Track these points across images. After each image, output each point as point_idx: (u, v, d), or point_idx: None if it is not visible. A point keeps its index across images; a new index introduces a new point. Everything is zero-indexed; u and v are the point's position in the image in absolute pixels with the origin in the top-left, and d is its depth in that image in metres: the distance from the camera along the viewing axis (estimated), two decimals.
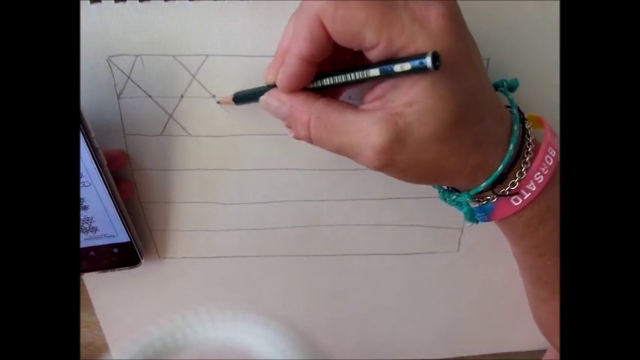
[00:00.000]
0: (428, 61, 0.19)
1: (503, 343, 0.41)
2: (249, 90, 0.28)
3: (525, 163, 0.24)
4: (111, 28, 0.28)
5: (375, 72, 0.21)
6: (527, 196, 0.25)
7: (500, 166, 0.24)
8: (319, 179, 0.33)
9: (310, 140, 0.24)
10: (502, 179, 0.24)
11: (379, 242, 0.35)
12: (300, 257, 0.36)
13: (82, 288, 0.36)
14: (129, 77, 0.29)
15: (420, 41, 0.20)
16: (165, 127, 0.31)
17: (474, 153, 0.23)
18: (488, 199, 0.25)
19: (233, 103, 0.29)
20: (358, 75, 0.22)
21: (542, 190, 0.25)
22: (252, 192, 0.33)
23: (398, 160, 0.22)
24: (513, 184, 0.24)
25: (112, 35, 0.28)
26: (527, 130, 0.25)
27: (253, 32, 0.28)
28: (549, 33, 0.29)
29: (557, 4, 0.28)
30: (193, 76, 0.29)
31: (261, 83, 0.29)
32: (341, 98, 0.28)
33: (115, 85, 0.29)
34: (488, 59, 0.30)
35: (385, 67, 0.20)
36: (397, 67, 0.20)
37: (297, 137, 0.25)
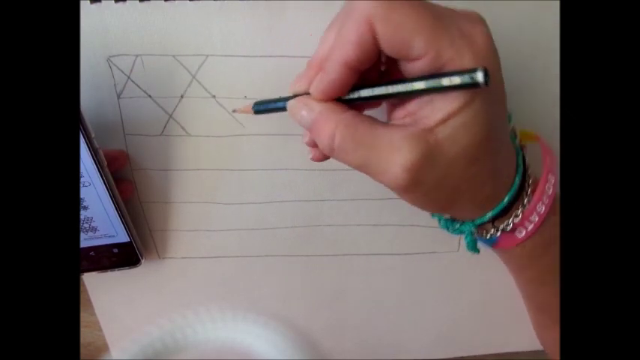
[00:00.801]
0: (480, 76, 0.19)
1: (504, 343, 0.41)
2: (271, 99, 0.26)
3: (527, 194, 0.25)
4: (111, 28, 0.28)
5: (420, 85, 0.20)
6: (531, 227, 0.25)
7: (506, 198, 0.24)
8: (319, 179, 0.33)
9: (332, 151, 0.23)
10: (506, 211, 0.25)
11: (379, 242, 0.35)
12: (300, 257, 0.36)
13: (82, 288, 0.36)
14: (129, 77, 0.29)
15: (467, 57, 0.19)
16: (165, 127, 0.31)
17: (488, 183, 0.23)
18: (492, 234, 0.26)
19: (252, 112, 0.27)
20: (401, 88, 0.21)
21: (545, 220, 0.25)
22: (252, 192, 0.33)
23: (423, 181, 0.21)
24: (517, 216, 0.25)
25: (112, 35, 0.28)
26: (526, 163, 0.25)
27: (253, 32, 0.28)
28: (549, 33, 0.29)
29: (557, 4, 0.28)
30: (193, 76, 0.29)
31: (260, 84, 0.29)
32: None
33: (115, 85, 0.29)
34: None
35: (432, 81, 0.20)
36: (445, 81, 0.19)
37: (322, 148, 0.23)
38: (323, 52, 0.22)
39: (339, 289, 0.37)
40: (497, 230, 0.25)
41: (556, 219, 0.25)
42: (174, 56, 0.29)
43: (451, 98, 0.20)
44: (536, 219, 0.25)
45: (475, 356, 0.41)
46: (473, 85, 0.19)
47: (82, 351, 0.39)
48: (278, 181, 0.33)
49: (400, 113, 0.22)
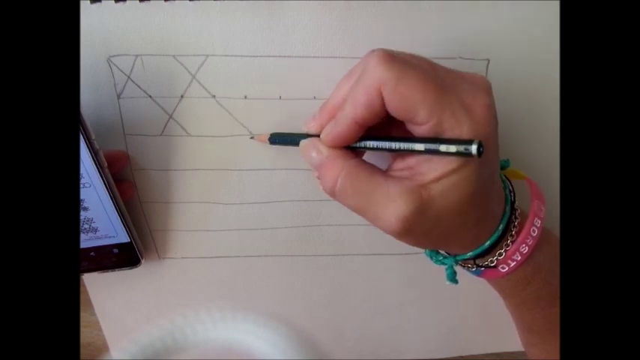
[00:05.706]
0: (474, 148, 0.20)
1: (504, 343, 0.41)
2: (286, 134, 0.29)
3: (512, 235, 0.26)
4: (111, 28, 0.28)
5: (420, 147, 0.22)
6: (513, 264, 0.26)
7: (487, 242, 0.26)
8: None
9: (333, 194, 0.25)
10: (489, 251, 0.26)
11: (379, 242, 0.35)
12: (300, 257, 0.36)
13: (82, 288, 0.36)
14: (129, 77, 0.29)
15: (466, 127, 0.21)
16: (165, 127, 0.31)
17: (475, 228, 0.25)
18: (476, 268, 0.27)
19: (267, 142, 0.30)
20: (403, 146, 0.23)
21: (527, 258, 0.26)
22: (252, 192, 0.33)
23: (415, 229, 0.23)
24: (500, 254, 0.26)
25: (112, 35, 0.28)
26: (515, 209, 0.27)
27: (253, 32, 0.28)
28: (549, 33, 0.29)
29: (557, 4, 0.28)
30: (193, 77, 0.29)
31: (260, 84, 0.29)
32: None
33: (115, 85, 0.29)
34: (488, 59, 0.30)
35: (431, 145, 0.22)
36: (443, 148, 0.21)
37: (324, 189, 0.25)
38: (335, 100, 0.25)
39: (339, 289, 0.37)
40: (480, 266, 0.27)
41: (541, 255, 0.27)
42: (174, 56, 0.29)
43: (447, 160, 0.22)
44: (519, 257, 0.26)
45: (475, 356, 0.41)
46: (468, 155, 0.21)
47: (82, 351, 0.39)
48: (278, 181, 0.33)
49: (400, 165, 0.24)
